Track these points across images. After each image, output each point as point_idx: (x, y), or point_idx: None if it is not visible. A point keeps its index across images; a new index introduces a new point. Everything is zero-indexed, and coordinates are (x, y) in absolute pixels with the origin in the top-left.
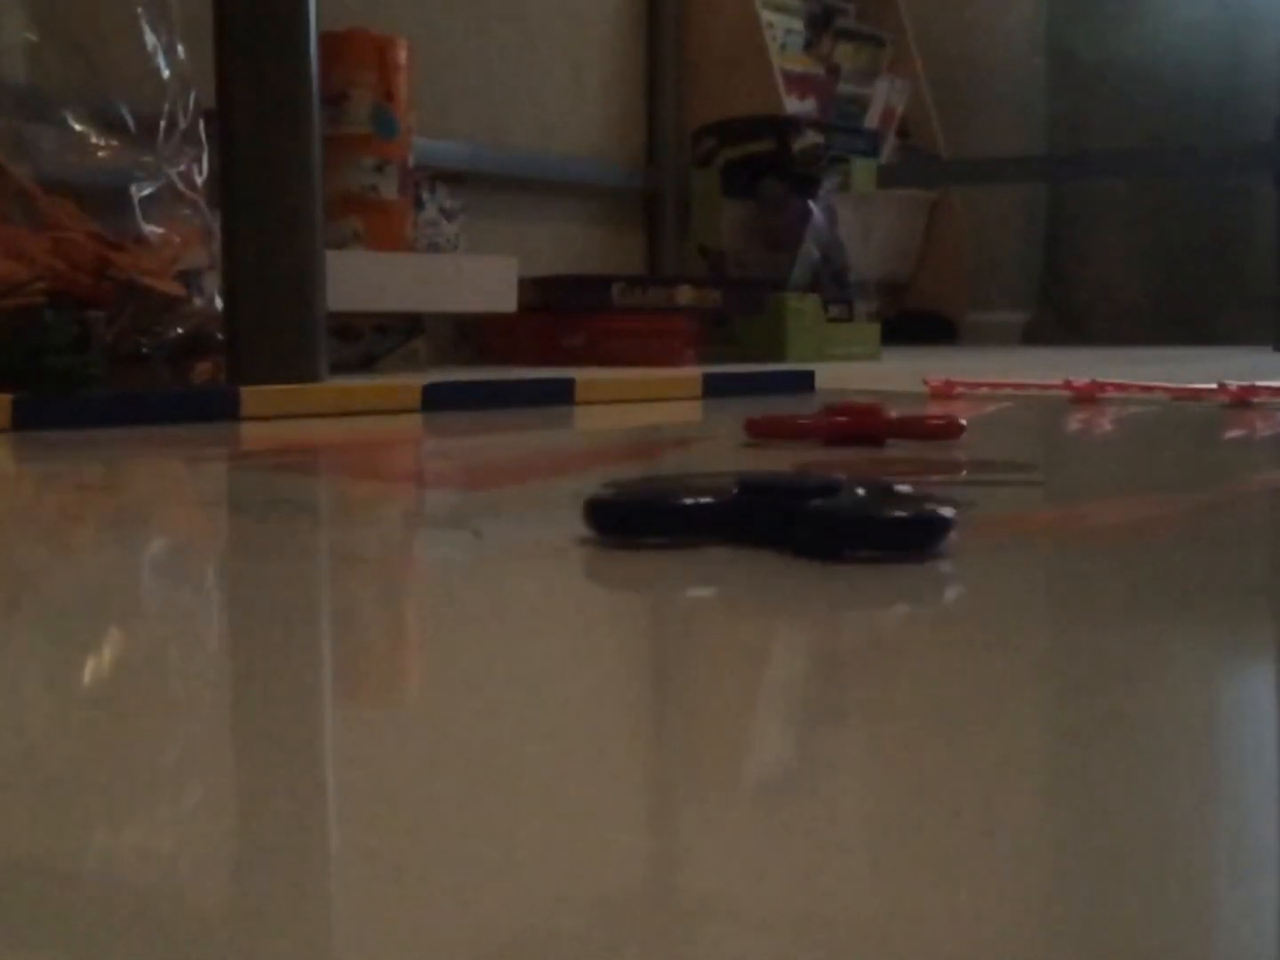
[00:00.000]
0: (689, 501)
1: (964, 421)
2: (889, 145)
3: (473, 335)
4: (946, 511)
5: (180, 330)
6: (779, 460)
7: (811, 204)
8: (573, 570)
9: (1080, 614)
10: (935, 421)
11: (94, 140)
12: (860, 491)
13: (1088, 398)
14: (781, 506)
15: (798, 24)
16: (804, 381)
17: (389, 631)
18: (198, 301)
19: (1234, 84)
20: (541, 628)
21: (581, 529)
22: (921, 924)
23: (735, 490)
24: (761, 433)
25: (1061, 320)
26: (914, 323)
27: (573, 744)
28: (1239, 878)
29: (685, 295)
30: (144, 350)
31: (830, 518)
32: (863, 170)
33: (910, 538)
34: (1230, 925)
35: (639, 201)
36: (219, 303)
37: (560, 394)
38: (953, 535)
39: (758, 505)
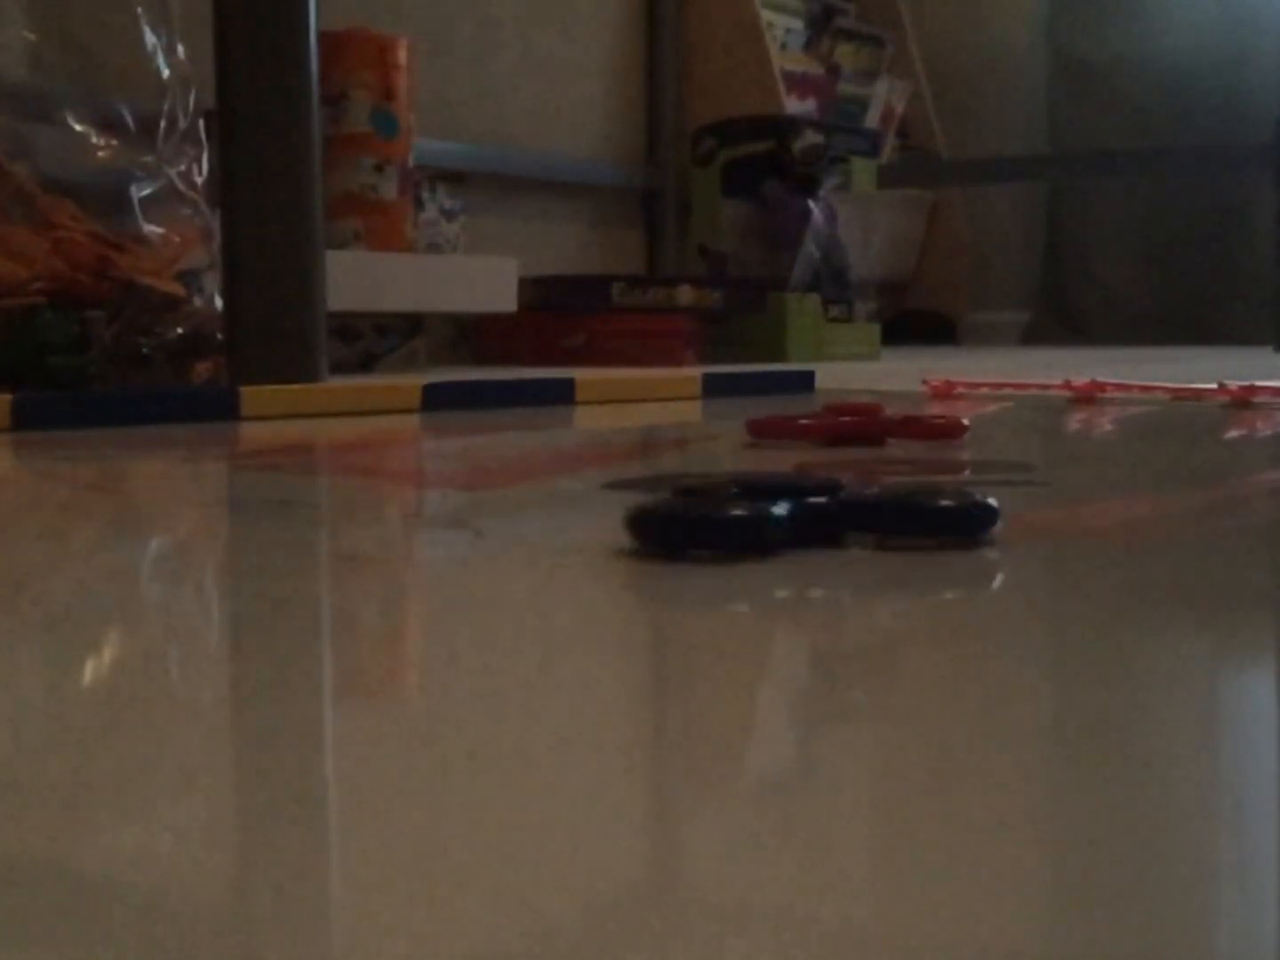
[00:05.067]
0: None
1: (966, 421)
2: (889, 145)
3: (473, 335)
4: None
5: (180, 330)
6: (779, 460)
7: (811, 204)
8: (574, 570)
9: (1079, 614)
10: (938, 421)
11: (94, 140)
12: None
13: (1088, 398)
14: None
15: (798, 24)
16: (804, 381)
17: (389, 631)
18: (198, 301)
19: (1234, 84)
20: (542, 627)
21: (582, 528)
22: (922, 924)
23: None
24: (763, 433)
25: (1061, 320)
26: (914, 323)
27: (574, 743)
28: (1240, 878)
29: (685, 295)
30: (144, 350)
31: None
32: (863, 170)
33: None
34: (1231, 926)
35: (639, 201)
36: (219, 303)
37: (560, 394)
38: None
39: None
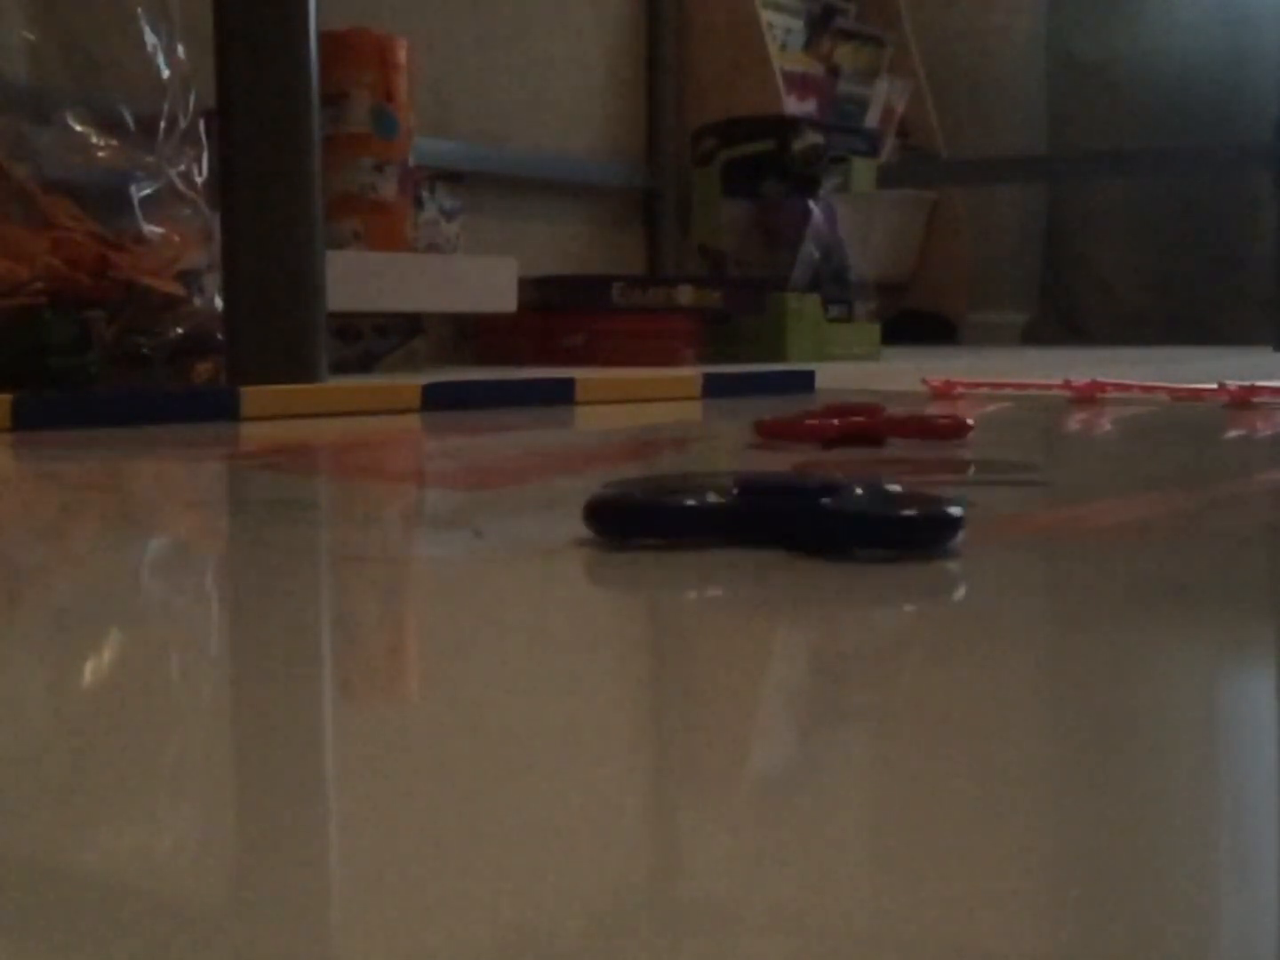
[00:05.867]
0: (691, 502)
1: (970, 421)
2: (889, 145)
3: (473, 335)
4: (955, 509)
5: (180, 330)
6: (779, 461)
7: (811, 204)
8: (573, 570)
9: (1080, 614)
10: (943, 422)
11: (94, 140)
12: (860, 491)
13: (1088, 398)
14: (784, 506)
15: (798, 24)
16: (804, 381)
17: (389, 631)
18: (198, 301)
19: (1234, 84)
20: (542, 628)
21: (582, 529)
22: (922, 924)
23: (734, 491)
24: (772, 434)
25: (1061, 320)
26: (914, 323)
27: (573, 744)
28: (1240, 878)
29: (685, 295)
30: (144, 350)
31: (836, 516)
32: (863, 170)
33: (918, 536)
34: (1231, 926)
35: (639, 201)
36: (219, 303)
37: (560, 394)
38: (960, 535)
39: (762, 505)
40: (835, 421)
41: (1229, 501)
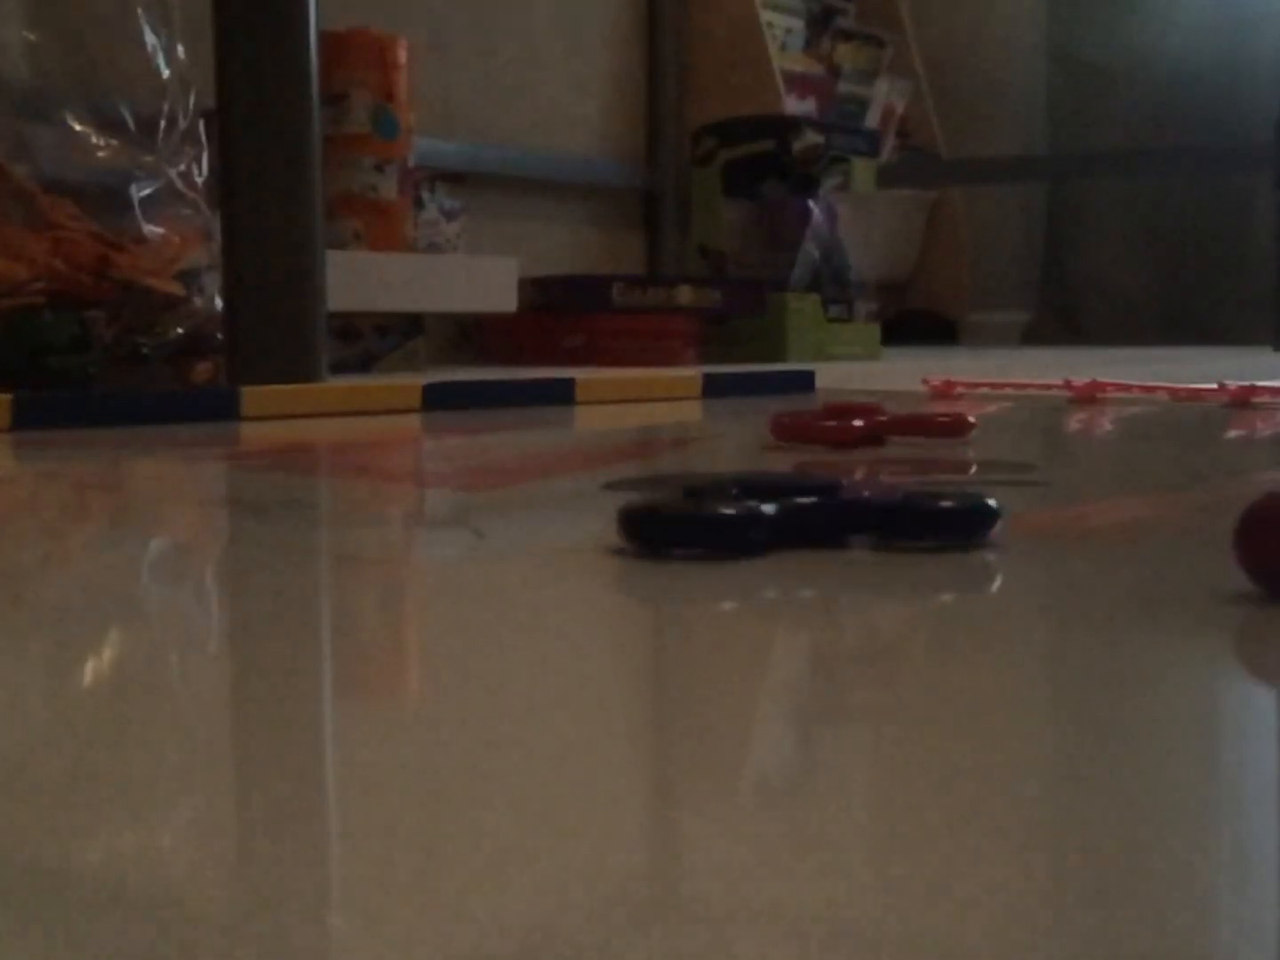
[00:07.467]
0: (730, 511)
1: (972, 419)
2: (889, 145)
3: (473, 335)
4: (992, 502)
5: (180, 330)
6: (779, 461)
7: (811, 204)
8: (575, 571)
9: (1079, 614)
10: (943, 419)
11: (94, 140)
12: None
13: (1088, 398)
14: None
15: (798, 24)
16: (804, 381)
17: (389, 632)
18: (198, 301)
19: (1234, 84)
20: (543, 628)
21: (582, 528)
22: (923, 925)
23: (735, 491)
24: (787, 435)
25: (1061, 320)
26: (914, 323)
27: (574, 743)
28: (1240, 881)
29: (685, 295)
30: (144, 350)
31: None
32: (863, 170)
33: (963, 528)
34: (1231, 929)
35: (639, 201)
36: (219, 303)
37: (560, 394)
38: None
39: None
40: (858, 423)
41: (1228, 502)
